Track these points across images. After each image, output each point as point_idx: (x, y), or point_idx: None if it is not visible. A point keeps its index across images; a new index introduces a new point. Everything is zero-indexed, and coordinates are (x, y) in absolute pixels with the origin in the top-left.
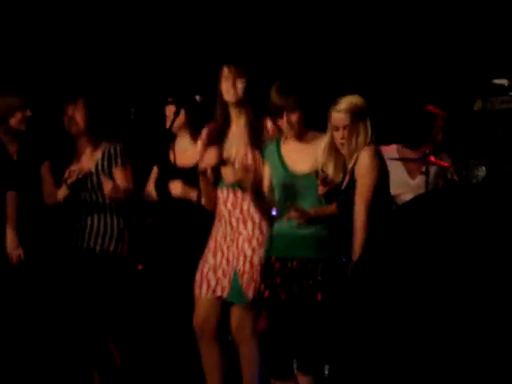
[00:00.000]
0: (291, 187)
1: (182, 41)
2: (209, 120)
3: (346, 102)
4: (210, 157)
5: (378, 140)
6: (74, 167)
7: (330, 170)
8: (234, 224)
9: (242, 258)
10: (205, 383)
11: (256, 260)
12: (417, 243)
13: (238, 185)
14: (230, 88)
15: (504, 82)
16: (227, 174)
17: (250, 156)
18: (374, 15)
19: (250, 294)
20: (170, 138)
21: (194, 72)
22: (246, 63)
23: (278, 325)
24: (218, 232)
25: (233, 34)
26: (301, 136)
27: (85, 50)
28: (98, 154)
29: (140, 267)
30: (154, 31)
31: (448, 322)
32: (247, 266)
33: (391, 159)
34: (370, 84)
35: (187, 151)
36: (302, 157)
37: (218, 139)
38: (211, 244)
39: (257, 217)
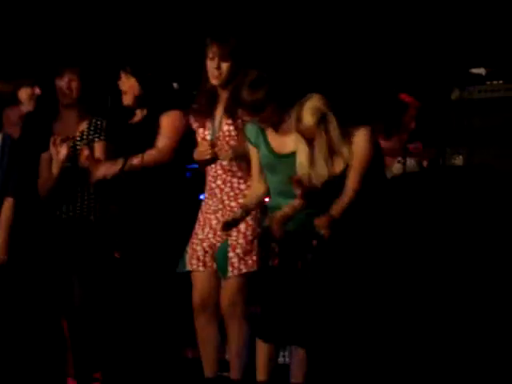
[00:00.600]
0: (279, 169)
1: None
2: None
3: (310, 113)
4: (201, 153)
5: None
6: (61, 136)
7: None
8: (226, 201)
9: (235, 233)
10: (200, 361)
11: (249, 234)
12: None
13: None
14: (214, 70)
15: (481, 71)
16: (218, 152)
17: (232, 127)
18: (351, 2)
19: (243, 268)
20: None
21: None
22: (230, 41)
23: (270, 291)
24: (208, 207)
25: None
26: (279, 125)
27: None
28: (84, 125)
29: (117, 255)
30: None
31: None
32: (241, 239)
33: None
34: (344, 72)
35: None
36: (286, 138)
37: (205, 118)
38: (200, 218)
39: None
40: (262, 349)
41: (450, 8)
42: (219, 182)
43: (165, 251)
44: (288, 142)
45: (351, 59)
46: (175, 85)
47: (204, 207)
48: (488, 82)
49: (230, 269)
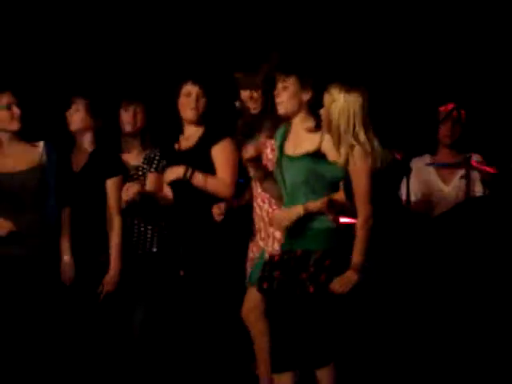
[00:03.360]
0: (285, 170)
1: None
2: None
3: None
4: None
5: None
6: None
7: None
8: (266, 218)
9: (271, 241)
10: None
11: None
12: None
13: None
14: (248, 99)
15: None
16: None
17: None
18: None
19: None
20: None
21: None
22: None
23: (276, 318)
24: (255, 225)
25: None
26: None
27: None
28: (141, 158)
29: (182, 273)
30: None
31: None
32: (276, 246)
33: (429, 165)
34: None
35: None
36: (300, 139)
37: (250, 132)
38: (253, 239)
39: None
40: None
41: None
42: (259, 201)
43: (226, 266)
44: (301, 143)
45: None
46: (237, 104)
47: (254, 225)
48: None
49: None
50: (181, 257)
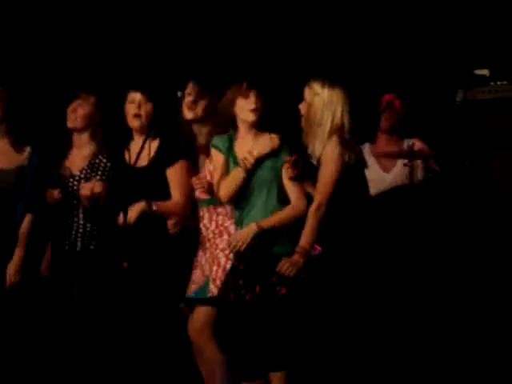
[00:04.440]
0: (246, 181)
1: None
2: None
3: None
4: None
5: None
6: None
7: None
8: (212, 239)
9: (215, 267)
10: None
11: (228, 267)
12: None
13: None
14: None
15: (485, 72)
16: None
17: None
18: (358, 4)
19: (216, 292)
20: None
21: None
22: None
23: (244, 326)
24: (200, 249)
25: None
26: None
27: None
28: (86, 162)
29: (125, 265)
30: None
31: None
32: (220, 272)
33: (378, 155)
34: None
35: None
36: (253, 149)
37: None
38: (195, 262)
39: (232, 229)
40: None
41: (453, 9)
42: (205, 221)
43: (170, 266)
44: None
45: (356, 59)
46: (179, 93)
47: (198, 251)
48: (492, 83)
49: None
50: (123, 251)
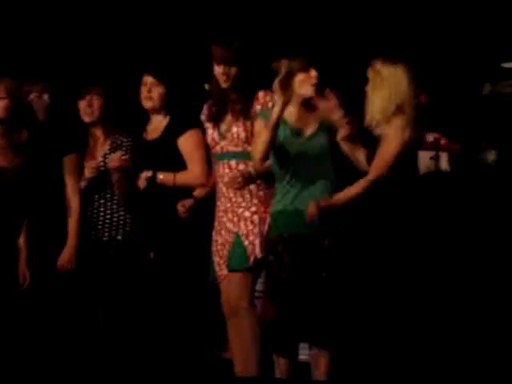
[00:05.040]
0: (297, 150)
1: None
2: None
3: None
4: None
5: None
6: (90, 162)
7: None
8: (233, 198)
9: (243, 222)
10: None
11: (256, 220)
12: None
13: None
14: (221, 75)
15: None
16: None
17: (241, 129)
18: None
19: (252, 257)
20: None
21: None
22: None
23: (285, 304)
24: (220, 211)
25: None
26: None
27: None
28: (107, 146)
29: (151, 255)
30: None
31: None
32: (250, 226)
33: None
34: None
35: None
36: (305, 118)
37: (216, 116)
38: (216, 224)
39: (253, 187)
40: (280, 363)
41: (481, 2)
42: (226, 179)
43: (195, 253)
44: (308, 121)
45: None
46: (206, 86)
47: (217, 212)
48: None
49: (251, 257)
50: (149, 241)
